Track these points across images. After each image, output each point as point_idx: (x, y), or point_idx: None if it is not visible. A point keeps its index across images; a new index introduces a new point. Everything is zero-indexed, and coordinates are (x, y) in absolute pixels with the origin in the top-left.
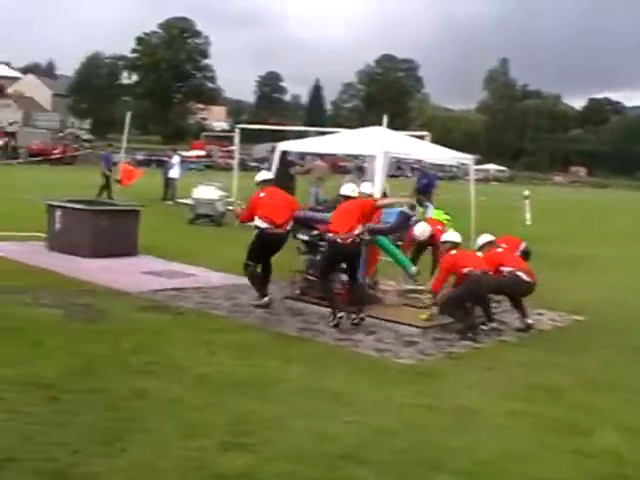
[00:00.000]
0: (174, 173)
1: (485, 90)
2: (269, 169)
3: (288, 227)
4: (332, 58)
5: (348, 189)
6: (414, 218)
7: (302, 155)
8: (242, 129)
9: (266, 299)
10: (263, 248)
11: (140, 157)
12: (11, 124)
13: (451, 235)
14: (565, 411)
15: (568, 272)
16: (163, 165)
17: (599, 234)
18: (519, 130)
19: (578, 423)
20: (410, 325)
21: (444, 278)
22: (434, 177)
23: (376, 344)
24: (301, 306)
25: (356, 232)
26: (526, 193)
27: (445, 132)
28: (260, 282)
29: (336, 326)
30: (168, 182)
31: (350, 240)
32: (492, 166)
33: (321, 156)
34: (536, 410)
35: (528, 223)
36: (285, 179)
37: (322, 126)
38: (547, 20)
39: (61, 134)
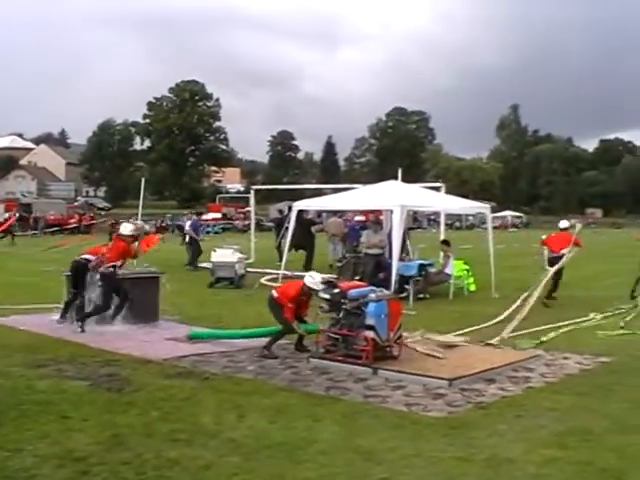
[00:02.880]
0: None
1: (497, 137)
2: (285, 229)
3: None
4: (344, 114)
5: None
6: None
7: (319, 213)
8: (257, 190)
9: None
10: None
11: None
12: (25, 196)
13: None
14: (597, 455)
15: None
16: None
17: (620, 274)
18: (533, 175)
19: (611, 467)
20: (437, 378)
21: None
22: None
23: (404, 398)
24: (326, 364)
25: None
26: (543, 238)
27: (460, 182)
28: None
29: None
30: (187, 247)
31: None
32: (508, 213)
33: (336, 213)
34: (568, 456)
35: (547, 268)
36: (303, 237)
37: (336, 182)
38: (555, 64)
39: (76, 203)
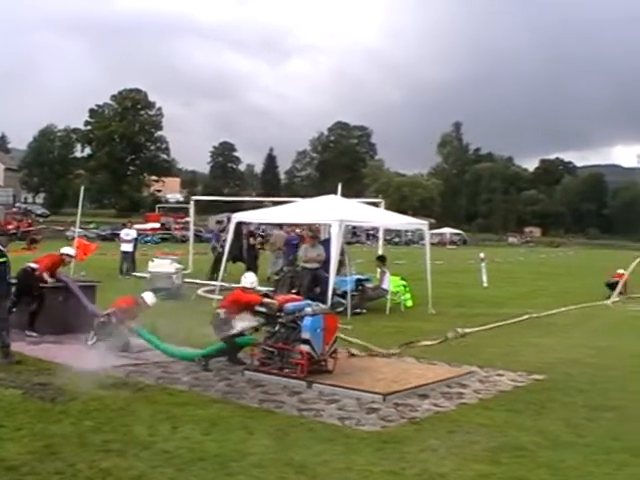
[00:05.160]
0: (128, 247)
1: (438, 154)
2: (223, 240)
3: None
4: (286, 126)
5: None
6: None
7: (259, 226)
8: (197, 200)
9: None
10: None
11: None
12: None
13: None
14: (530, 471)
15: (526, 333)
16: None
17: (554, 293)
18: (473, 193)
19: None
20: (371, 392)
21: None
22: None
23: (338, 412)
24: (261, 377)
25: None
26: (482, 256)
27: (400, 198)
28: None
29: None
30: (124, 256)
31: None
32: (447, 230)
33: (281, 226)
34: (501, 472)
35: (485, 285)
36: (240, 250)
37: (277, 195)
38: (500, 85)
39: (14, 209)
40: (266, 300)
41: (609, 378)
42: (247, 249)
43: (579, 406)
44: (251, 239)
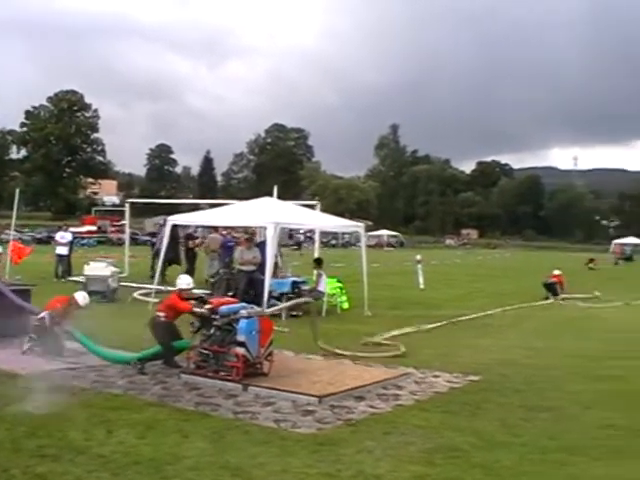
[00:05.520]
0: (63, 250)
1: (376, 157)
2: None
3: None
4: (224, 128)
5: None
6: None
7: (196, 228)
8: (133, 203)
9: None
10: None
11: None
12: None
13: None
14: (465, 472)
15: (462, 334)
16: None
17: (491, 294)
18: (410, 195)
19: None
20: (307, 394)
21: None
22: None
23: (274, 415)
24: (197, 380)
25: None
26: (418, 257)
27: (336, 200)
28: None
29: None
30: (59, 259)
31: None
32: (385, 232)
33: (216, 229)
34: (436, 472)
35: (422, 287)
36: (176, 252)
37: (213, 197)
38: (438, 87)
39: None
40: (196, 310)
41: (545, 378)
42: (185, 252)
43: (515, 406)
44: (190, 242)
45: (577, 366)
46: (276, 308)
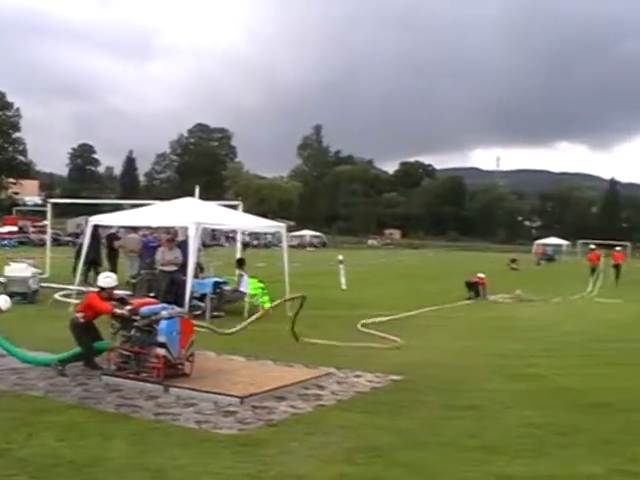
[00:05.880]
0: None
1: (299, 157)
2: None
3: None
4: (147, 128)
5: None
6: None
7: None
8: (55, 203)
9: None
10: None
11: None
12: None
13: None
14: (387, 470)
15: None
16: None
17: (413, 295)
18: (333, 195)
19: None
20: (228, 395)
21: None
22: None
23: (195, 416)
24: (118, 382)
25: None
26: (340, 258)
27: (259, 200)
28: None
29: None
30: None
31: None
32: (307, 232)
33: (135, 229)
34: (357, 472)
35: (344, 288)
36: (97, 253)
37: (136, 197)
38: (361, 88)
39: None
40: (117, 311)
41: (466, 378)
42: (108, 252)
43: (436, 406)
44: (115, 242)
45: (498, 365)
46: (241, 326)
